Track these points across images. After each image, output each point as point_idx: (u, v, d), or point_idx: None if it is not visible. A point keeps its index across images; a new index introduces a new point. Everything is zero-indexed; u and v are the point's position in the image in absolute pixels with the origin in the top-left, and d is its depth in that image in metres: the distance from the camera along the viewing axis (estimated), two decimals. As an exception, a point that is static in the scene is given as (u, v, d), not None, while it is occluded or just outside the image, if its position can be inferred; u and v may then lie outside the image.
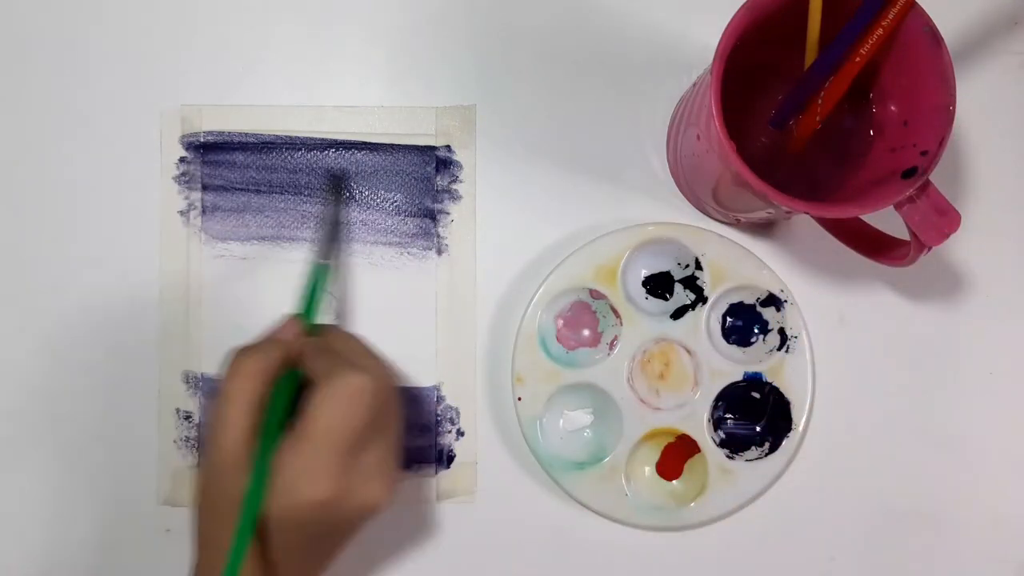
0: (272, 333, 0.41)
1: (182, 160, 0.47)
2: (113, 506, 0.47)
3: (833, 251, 0.44)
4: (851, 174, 0.41)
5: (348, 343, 0.40)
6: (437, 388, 0.47)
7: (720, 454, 0.45)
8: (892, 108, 0.40)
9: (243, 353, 0.38)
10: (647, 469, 0.46)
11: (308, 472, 0.35)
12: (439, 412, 0.47)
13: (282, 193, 0.47)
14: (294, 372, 0.38)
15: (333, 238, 0.46)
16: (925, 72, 0.37)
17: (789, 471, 0.46)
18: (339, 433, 0.36)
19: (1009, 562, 0.47)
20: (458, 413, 0.47)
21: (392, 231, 0.47)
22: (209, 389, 0.47)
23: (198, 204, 0.47)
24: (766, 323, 0.46)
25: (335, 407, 0.36)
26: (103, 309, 0.47)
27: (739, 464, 0.45)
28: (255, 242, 0.47)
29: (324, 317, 0.44)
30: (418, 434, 0.47)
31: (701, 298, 0.46)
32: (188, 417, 0.47)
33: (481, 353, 0.47)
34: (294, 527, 0.36)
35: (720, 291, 0.45)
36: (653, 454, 0.46)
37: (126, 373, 0.47)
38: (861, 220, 0.43)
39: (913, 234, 0.37)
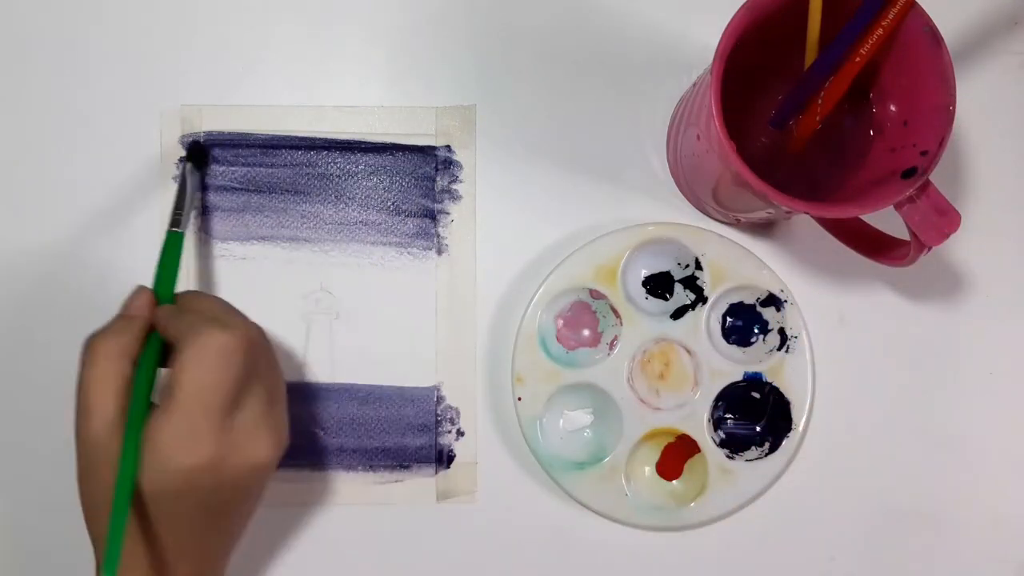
0: (123, 310, 0.39)
1: (182, 160, 0.47)
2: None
3: (833, 251, 0.44)
4: (851, 174, 0.41)
5: (206, 303, 0.39)
6: (437, 388, 0.47)
7: (720, 454, 0.45)
8: (892, 108, 0.40)
9: (97, 337, 0.36)
10: (647, 469, 0.46)
11: (181, 437, 0.34)
12: (439, 412, 0.47)
13: (282, 193, 0.47)
14: (156, 340, 0.37)
15: (188, 205, 0.44)
16: (925, 72, 0.37)
17: (789, 471, 0.46)
18: (210, 393, 0.34)
19: (1009, 562, 0.47)
20: (458, 413, 0.47)
21: (392, 231, 0.47)
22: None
23: (198, 204, 0.47)
24: (766, 323, 0.46)
25: (202, 366, 0.34)
26: (103, 309, 0.47)
27: (739, 464, 0.45)
28: (255, 242, 0.47)
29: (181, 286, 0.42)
30: (418, 434, 0.47)
31: (701, 298, 0.46)
32: (188, 417, 0.47)
33: (481, 353, 0.47)
34: (175, 497, 0.34)
35: (720, 291, 0.45)
36: (653, 454, 0.46)
37: (126, 373, 0.47)
38: (861, 220, 0.43)
39: (913, 234, 0.37)
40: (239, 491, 0.37)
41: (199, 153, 0.46)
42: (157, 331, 0.37)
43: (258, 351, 0.37)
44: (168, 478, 0.34)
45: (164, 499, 0.35)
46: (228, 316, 0.37)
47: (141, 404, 0.35)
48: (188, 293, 0.41)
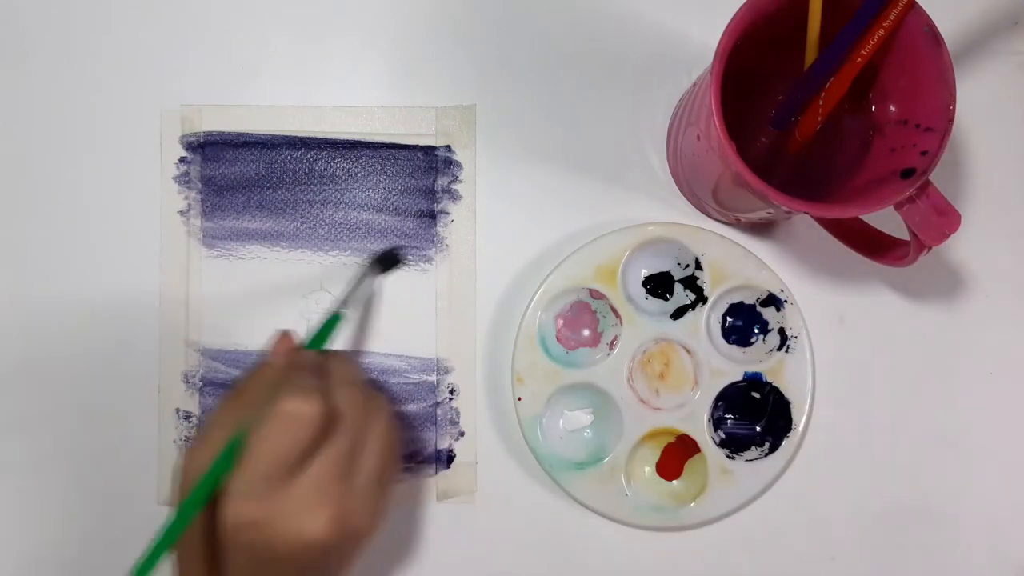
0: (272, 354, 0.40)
1: (182, 160, 0.47)
2: (113, 506, 0.47)
3: (833, 251, 0.44)
4: (851, 174, 0.41)
5: (341, 367, 0.39)
6: (437, 388, 0.47)
7: (720, 454, 0.45)
8: (892, 108, 0.40)
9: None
10: (647, 469, 0.46)
11: (234, 494, 0.35)
12: (439, 412, 0.47)
13: (282, 193, 0.47)
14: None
15: (359, 295, 0.45)
16: (925, 72, 0.37)
17: (789, 471, 0.46)
18: (267, 456, 0.35)
19: (1009, 562, 0.47)
20: (458, 413, 0.47)
21: (392, 231, 0.47)
22: (206, 387, 0.47)
23: (198, 204, 0.47)
24: (766, 323, 0.46)
25: (268, 429, 0.35)
26: (103, 309, 0.47)
27: (739, 464, 0.45)
28: (255, 242, 0.47)
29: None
30: (418, 434, 0.47)
31: (701, 298, 0.46)
32: (188, 417, 0.47)
33: (481, 353, 0.47)
34: (231, 550, 0.36)
35: (720, 291, 0.45)
36: (653, 454, 0.46)
37: (126, 373, 0.47)
38: (861, 220, 0.43)
39: (913, 234, 0.37)
40: (293, 565, 0.36)
41: (391, 259, 0.46)
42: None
43: (346, 427, 0.36)
44: (223, 530, 0.35)
45: (226, 549, 0.36)
46: (341, 386, 0.37)
47: (231, 452, 0.36)
48: (333, 354, 0.41)
